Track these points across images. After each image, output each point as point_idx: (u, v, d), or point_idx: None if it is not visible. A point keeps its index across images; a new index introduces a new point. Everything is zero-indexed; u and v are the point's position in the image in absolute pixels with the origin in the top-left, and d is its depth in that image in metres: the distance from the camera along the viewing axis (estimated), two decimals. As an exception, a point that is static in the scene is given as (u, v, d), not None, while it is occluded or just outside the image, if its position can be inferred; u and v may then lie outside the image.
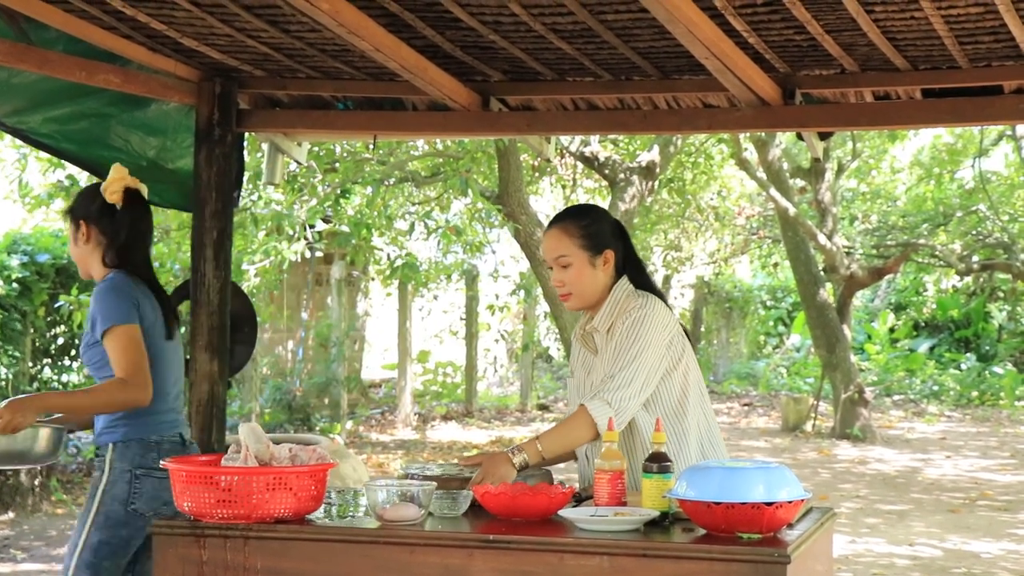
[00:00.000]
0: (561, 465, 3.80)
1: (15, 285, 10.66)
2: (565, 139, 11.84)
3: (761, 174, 14.81)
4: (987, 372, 20.28)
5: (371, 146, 10.40)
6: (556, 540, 3.07)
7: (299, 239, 10.28)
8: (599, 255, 3.66)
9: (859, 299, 21.05)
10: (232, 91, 4.83)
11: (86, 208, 4.07)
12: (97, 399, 3.93)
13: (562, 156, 13.55)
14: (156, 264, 10.30)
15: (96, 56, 4.42)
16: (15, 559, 7.90)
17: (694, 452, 3.64)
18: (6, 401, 3.88)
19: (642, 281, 3.73)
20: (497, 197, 11.44)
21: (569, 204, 15.29)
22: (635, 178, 12.30)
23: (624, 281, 3.69)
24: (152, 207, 4.24)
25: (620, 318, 3.61)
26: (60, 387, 11.32)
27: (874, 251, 17.39)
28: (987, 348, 21.86)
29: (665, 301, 3.70)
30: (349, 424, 14.61)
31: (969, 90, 4.41)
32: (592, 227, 3.68)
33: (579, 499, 3.52)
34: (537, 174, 14.13)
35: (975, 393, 19.15)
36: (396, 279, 12.75)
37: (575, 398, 3.79)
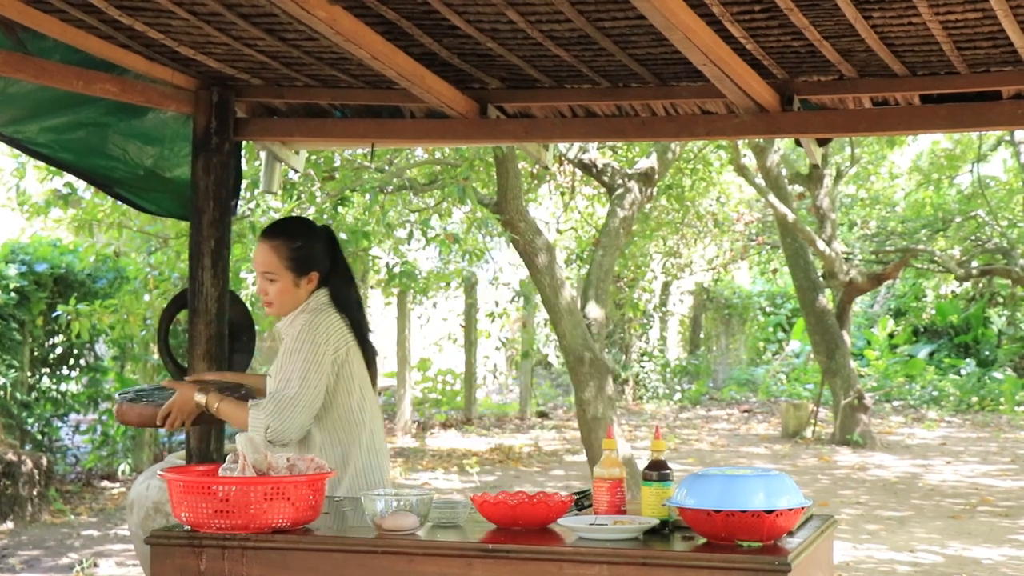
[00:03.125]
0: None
1: (13, 294, 10.64)
2: (563, 146, 11.82)
3: (760, 180, 14.80)
4: (987, 377, 20.25)
5: (369, 154, 10.39)
6: (555, 549, 3.06)
7: (298, 247, 10.22)
8: (304, 276, 3.93)
9: (858, 305, 21.05)
10: (229, 100, 4.83)
11: None
12: None
13: (560, 163, 13.53)
14: (155, 272, 10.28)
15: (93, 65, 4.41)
16: (13, 569, 7.87)
17: (364, 458, 3.86)
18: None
19: (343, 294, 3.95)
20: (496, 205, 11.41)
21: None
22: (634, 185, 12.28)
23: (319, 295, 3.93)
24: (150, 216, 4.25)
25: (292, 331, 3.85)
26: (59, 397, 11.26)
27: (873, 257, 17.38)
28: (987, 353, 21.85)
29: (359, 315, 3.93)
30: (348, 432, 14.56)
31: (967, 96, 4.41)
32: (303, 250, 3.93)
33: (581, 505, 3.51)
34: (536, 182, 14.11)
35: (975, 398, 19.12)
36: (395, 287, 12.72)
37: None
